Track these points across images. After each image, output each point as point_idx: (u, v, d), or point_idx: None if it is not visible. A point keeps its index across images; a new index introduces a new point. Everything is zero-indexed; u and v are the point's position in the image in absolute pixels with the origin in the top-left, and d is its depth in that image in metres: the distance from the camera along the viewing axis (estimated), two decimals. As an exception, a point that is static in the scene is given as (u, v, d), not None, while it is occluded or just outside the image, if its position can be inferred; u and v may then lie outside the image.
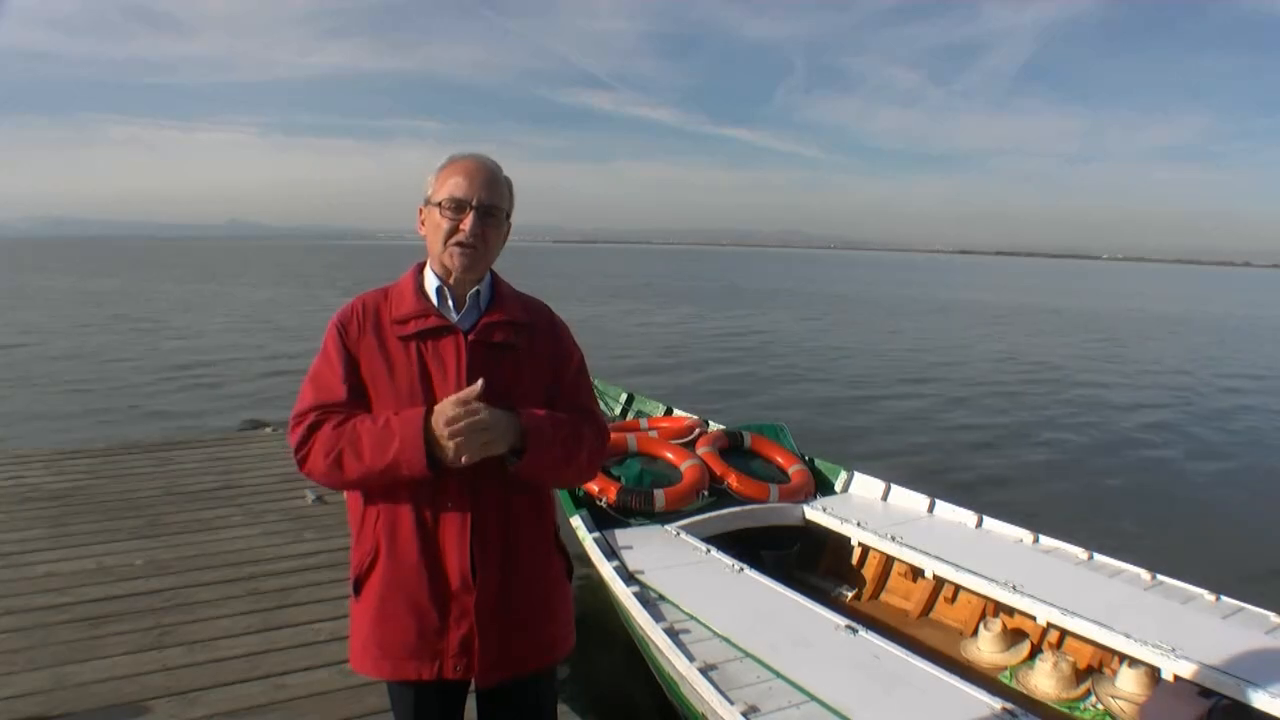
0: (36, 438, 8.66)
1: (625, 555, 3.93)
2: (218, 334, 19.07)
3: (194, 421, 9.91)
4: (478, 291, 1.74)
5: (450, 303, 1.73)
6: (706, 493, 4.73)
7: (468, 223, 1.66)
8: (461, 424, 1.54)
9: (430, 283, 1.75)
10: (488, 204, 1.68)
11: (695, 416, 5.85)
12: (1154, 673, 3.21)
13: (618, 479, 4.68)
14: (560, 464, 1.68)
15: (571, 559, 1.88)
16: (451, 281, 1.73)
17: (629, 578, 3.70)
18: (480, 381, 1.59)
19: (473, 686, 1.77)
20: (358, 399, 1.67)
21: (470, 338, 1.69)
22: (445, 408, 1.56)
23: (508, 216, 1.76)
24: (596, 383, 7.03)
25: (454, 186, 1.68)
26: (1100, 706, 3.35)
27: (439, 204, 1.69)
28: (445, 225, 1.68)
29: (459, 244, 1.68)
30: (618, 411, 6.73)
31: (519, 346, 1.74)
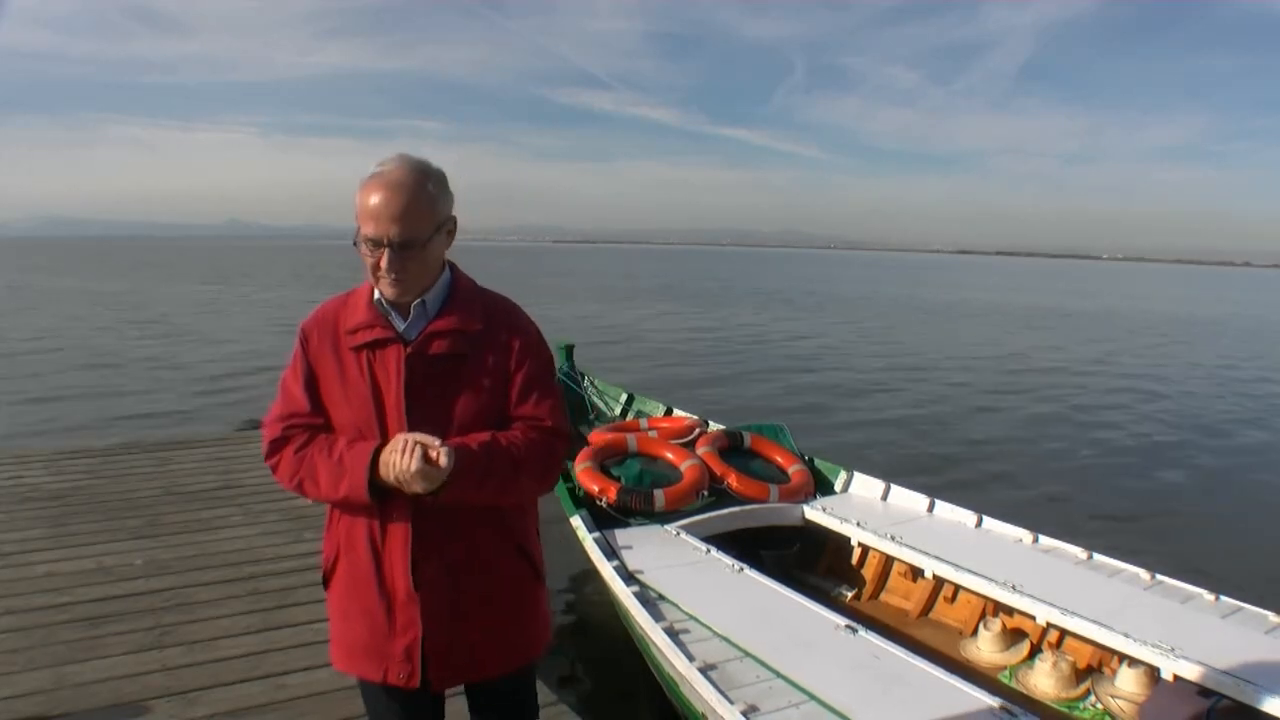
0: (36, 437, 8.67)
1: (625, 555, 3.93)
2: (217, 334, 19.07)
3: (194, 421, 9.92)
4: (423, 301, 1.68)
5: (396, 312, 1.69)
6: (706, 493, 4.72)
7: (384, 261, 1.60)
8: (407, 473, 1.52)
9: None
10: (399, 241, 1.58)
11: (695, 416, 5.84)
12: (1153, 672, 3.21)
13: (618, 479, 4.68)
14: (492, 493, 1.63)
15: (541, 563, 1.83)
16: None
17: (629, 577, 3.70)
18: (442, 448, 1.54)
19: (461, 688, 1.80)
20: (319, 409, 1.70)
21: (409, 350, 1.65)
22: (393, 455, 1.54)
23: (439, 230, 1.64)
24: (596, 382, 7.03)
25: (365, 221, 1.59)
26: (1100, 706, 3.35)
27: (355, 242, 1.62)
28: (368, 260, 1.63)
29: (380, 279, 1.64)
30: (618, 411, 6.73)
31: (464, 356, 1.67)
